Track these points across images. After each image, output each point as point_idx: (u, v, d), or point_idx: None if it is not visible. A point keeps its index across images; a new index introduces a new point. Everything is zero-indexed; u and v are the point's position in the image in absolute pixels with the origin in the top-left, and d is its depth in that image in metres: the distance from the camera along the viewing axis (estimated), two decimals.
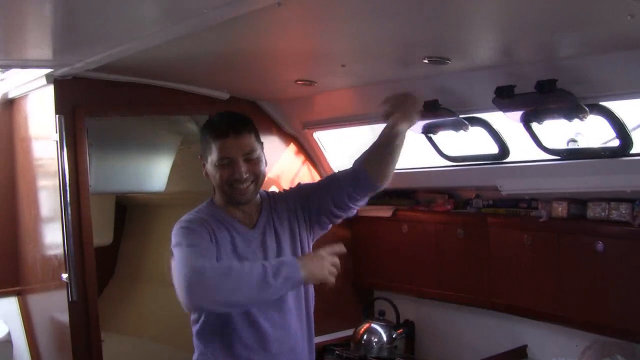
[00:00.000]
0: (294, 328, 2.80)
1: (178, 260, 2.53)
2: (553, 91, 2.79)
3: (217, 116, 2.78)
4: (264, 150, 2.77)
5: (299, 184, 3.02)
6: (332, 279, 2.54)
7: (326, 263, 2.55)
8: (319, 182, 3.01)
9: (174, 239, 2.64)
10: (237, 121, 2.70)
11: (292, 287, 2.58)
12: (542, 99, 2.87)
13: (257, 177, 2.72)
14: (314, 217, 2.88)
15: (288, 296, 2.74)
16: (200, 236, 2.62)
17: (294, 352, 2.82)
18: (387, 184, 2.85)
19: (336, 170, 4.44)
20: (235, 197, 2.71)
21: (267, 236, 2.80)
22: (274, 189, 3.44)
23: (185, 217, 2.75)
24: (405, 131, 2.72)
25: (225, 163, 2.65)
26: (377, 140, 2.80)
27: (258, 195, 2.84)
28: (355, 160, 2.85)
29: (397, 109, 2.74)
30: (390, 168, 2.79)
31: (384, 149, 2.76)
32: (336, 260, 2.57)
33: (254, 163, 2.69)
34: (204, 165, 2.77)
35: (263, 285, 2.44)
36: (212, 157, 2.68)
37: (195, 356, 2.83)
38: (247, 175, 2.66)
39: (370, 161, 2.80)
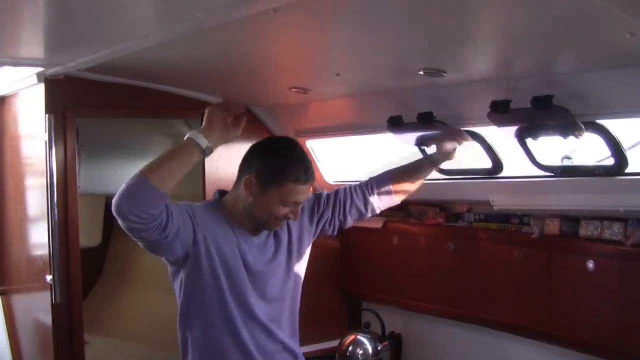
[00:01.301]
0: (280, 339, 2.79)
1: None
2: (549, 107, 2.74)
3: (294, 151, 2.70)
4: None
5: (314, 193, 3.02)
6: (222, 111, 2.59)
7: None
8: (336, 190, 3.04)
9: None
10: (311, 168, 2.70)
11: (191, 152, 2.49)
12: (537, 115, 2.83)
13: None
14: (325, 223, 2.98)
15: (282, 308, 2.80)
16: (180, 210, 2.55)
17: None
18: (399, 201, 3.15)
19: (329, 181, 4.43)
20: (271, 226, 2.73)
21: (270, 244, 2.80)
22: None
23: (199, 204, 2.74)
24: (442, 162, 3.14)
25: (291, 205, 2.66)
26: (411, 164, 3.15)
27: None
28: (378, 175, 3.10)
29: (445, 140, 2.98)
30: (411, 188, 3.15)
31: (415, 172, 3.12)
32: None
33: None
34: (251, 183, 2.65)
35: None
36: (280, 194, 2.62)
37: None
38: None
39: (399, 176, 3.08)
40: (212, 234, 2.63)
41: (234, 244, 2.68)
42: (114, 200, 2.36)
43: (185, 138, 2.50)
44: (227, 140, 2.60)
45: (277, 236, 2.82)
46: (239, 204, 2.71)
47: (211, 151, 2.52)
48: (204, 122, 2.57)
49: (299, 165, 2.65)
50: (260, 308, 2.72)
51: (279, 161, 2.65)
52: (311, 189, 2.75)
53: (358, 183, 3.07)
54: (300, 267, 2.90)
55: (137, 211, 2.35)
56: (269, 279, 2.76)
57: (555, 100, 2.75)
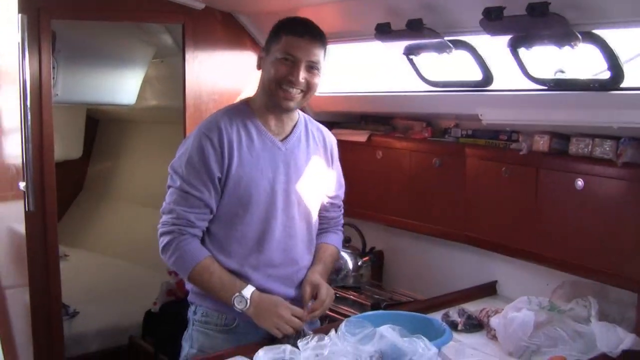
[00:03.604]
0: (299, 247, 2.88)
1: (168, 201, 2.70)
2: (545, 15, 2.60)
3: (299, 17, 2.78)
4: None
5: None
6: (277, 334, 2.62)
7: (277, 320, 2.63)
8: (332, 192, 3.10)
9: (176, 162, 2.71)
10: (316, 29, 2.72)
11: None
12: (532, 23, 2.68)
13: (309, 89, 2.71)
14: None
15: (296, 220, 2.83)
16: (201, 174, 2.66)
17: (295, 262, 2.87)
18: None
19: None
20: (280, 100, 2.69)
21: (296, 154, 2.80)
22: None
23: (209, 122, 2.74)
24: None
25: (288, 61, 2.64)
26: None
27: (297, 113, 2.85)
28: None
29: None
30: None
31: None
32: (294, 321, 2.65)
33: (313, 74, 2.70)
34: (261, 58, 2.77)
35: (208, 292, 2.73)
36: (276, 51, 2.66)
37: None
38: (303, 81, 2.65)
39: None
40: (232, 155, 2.68)
41: (250, 149, 2.71)
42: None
43: (235, 296, 2.64)
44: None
45: (307, 155, 2.85)
46: (259, 91, 2.77)
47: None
48: (267, 307, 2.67)
49: (298, 22, 2.73)
50: (280, 219, 2.79)
51: (278, 24, 2.74)
52: (314, 54, 2.68)
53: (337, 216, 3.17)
54: (320, 188, 2.97)
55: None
56: (293, 190, 2.81)
57: (551, 8, 2.60)
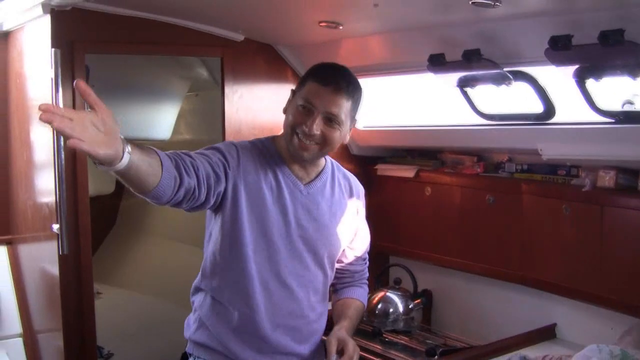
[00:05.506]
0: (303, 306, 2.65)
1: None
2: (620, 43, 2.41)
3: (333, 64, 2.58)
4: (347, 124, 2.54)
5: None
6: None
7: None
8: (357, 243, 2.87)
9: None
10: (346, 80, 2.49)
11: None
12: (604, 53, 2.49)
13: (326, 143, 2.50)
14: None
15: (310, 269, 2.65)
16: (212, 157, 2.42)
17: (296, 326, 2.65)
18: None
19: (359, 127, 4.16)
20: (296, 148, 2.49)
21: (318, 200, 2.63)
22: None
23: (239, 140, 2.63)
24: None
25: (306, 109, 2.45)
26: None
27: (323, 160, 2.67)
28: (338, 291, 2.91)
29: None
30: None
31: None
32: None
33: (332, 128, 2.47)
34: (289, 101, 2.58)
35: None
36: (299, 97, 2.49)
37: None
38: (317, 133, 2.45)
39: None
40: (248, 183, 2.49)
41: (274, 194, 2.53)
42: None
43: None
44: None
45: (332, 203, 2.67)
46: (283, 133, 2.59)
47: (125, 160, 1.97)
48: None
49: (329, 69, 2.53)
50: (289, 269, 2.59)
51: (310, 68, 2.58)
52: (336, 106, 2.45)
53: (358, 275, 2.94)
54: (342, 238, 2.74)
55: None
56: (310, 236, 2.60)
57: (626, 35, 2.42)
